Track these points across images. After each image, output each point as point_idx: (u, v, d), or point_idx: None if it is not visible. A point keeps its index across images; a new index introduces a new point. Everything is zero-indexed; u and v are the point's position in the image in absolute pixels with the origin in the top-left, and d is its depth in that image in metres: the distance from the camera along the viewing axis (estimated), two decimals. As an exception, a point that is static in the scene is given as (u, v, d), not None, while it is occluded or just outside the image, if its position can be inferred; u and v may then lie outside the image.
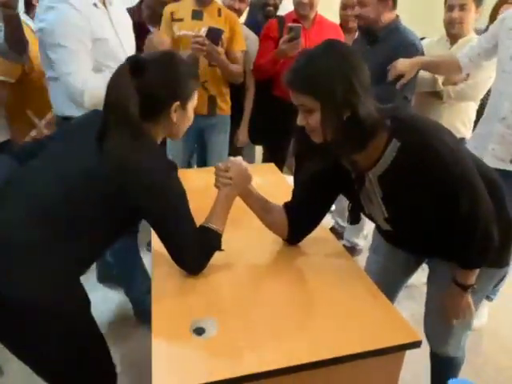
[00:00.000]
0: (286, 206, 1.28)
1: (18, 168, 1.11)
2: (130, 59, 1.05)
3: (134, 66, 1.03)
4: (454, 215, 1.02)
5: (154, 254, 1.24)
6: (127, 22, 1.90)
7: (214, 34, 1.98)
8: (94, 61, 1.65)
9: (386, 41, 2.03)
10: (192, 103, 1.15)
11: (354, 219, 1.29)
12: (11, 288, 0.94)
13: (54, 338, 1.01)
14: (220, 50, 2.06)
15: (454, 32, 2.06)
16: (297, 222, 1.26)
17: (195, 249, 1.10)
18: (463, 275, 1.13)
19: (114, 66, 1.34)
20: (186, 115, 1.15)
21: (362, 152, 1.04)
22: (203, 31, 2.00)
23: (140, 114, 1.02)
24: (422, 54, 2.01)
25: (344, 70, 0.95)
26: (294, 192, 1.30)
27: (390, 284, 1.33)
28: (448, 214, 1.03)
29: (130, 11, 2.37)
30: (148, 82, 1.04)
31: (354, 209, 1.26)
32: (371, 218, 1.23)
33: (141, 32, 2.27)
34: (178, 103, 1.09)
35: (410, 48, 2.00)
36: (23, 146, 1.21)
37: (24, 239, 0.97)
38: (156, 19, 2.32)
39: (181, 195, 1.08)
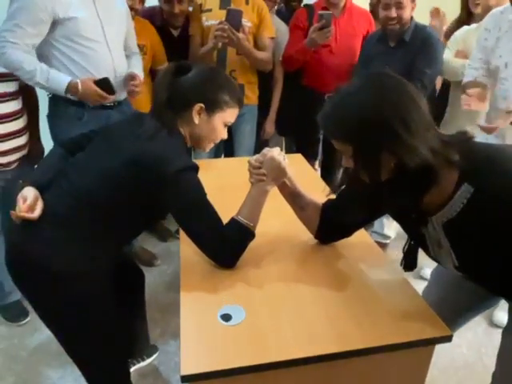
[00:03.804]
0: (324, 206, 1.21)
1: (69, 159, 1.22)
2: (179, 62, 1.19)
3: (179, 67, 1.16)
4: None
5: (182, 241, 1.25)
6: (116, 6, 1.84)
7: (233, 16, 1.96)
8: (58, 38, 1.65)
9: (413, 41, 2.03)
10: (221, 116, 1.17)
11: (410, 264, 1.06)
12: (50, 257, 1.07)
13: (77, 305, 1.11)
14: (242, 36, 2.03)
15: None
16: (327, 226, 1.21)
17: (220, 244, 1.10)
18: None
19: (90, 45, 1.66)
20: (210, 123, 1.16)
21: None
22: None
23: (168, 106, 1.12)
24: None
25: (381, 113, 0.80)
26: (339, 194, 1.17)
27: (447, 319, 1.02)
28: None
29: (152, 12, 2.37)
30: (184, 79, 1.14)
31: (411, 251, 1.05)
32: (437, 262, 1.05)
33: (164, 36, 2.28)
34: (202, 105, 1.13)
35: (438, 45, 2.04)
36: (73, 139, 1.29)
37: (63, 216, 1.09)
38: (175, 25, 2.32)
39: (199, 191, 1.09)
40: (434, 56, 1.99)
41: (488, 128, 1.60)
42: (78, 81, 1.68)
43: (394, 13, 1.97)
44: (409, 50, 2.01)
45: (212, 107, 1.15)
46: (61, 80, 1.67)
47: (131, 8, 2.02)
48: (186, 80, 1.14)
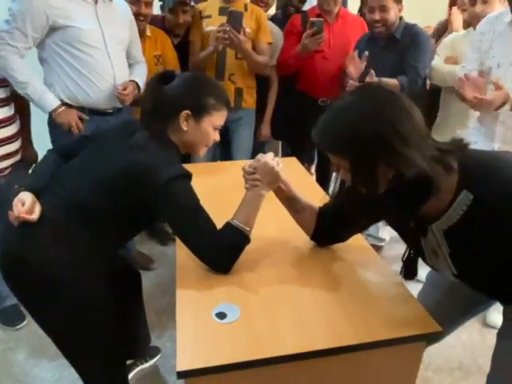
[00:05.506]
0: (321, 210, 1.22)
1: (63, 164, 1.24)
2: (164, 71, 1.21)
3: (164, 75, 1.18)
4: None
5: (178, 244, 1.26)
6: (119, 15, 1.89)
7: (234, 17, 2.00)
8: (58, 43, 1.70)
9: (403, 39, 2.08)
10: (209, 120, 1.18)
11: (410, 273, 1.05)
12: (45, 262, 1.09)
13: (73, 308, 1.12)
14: (242, 37, 2.07)
15: None
16: (324, 231, 1.22)
17: (215, 249, 1.10)
18: None
19: (89, 52, 1.70)
20: (200, 129, 1.18)
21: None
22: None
23: (155, 115, 1.14)
24: None
25: (376, 126, 0.80)
26: (335, 199, 1.18)
27: (441, 322, 1.01)
28: None
29: (154, 19, 2.38)
30: (168, 87, 1.15)
31: (411, 260, 1.04)
32: (435, 270, 1.06)
33: None
34: (188, 112, 1.14)
35: (428, 41, 2.11)
36: (66, 145, 1.32)
37: (60, 221, 1.11)
38: (177, 34, 2.35)
39: (192, 198, 1.10)
40: (423, 51, 2.05)
41: (474, 101, 1.51)
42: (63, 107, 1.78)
43: (377, 16, 2.02)
44: (400, 47, 2.07)
45: (199, 113, 1.16)
46: (49, 101, 1.76)
47: (139, 13, 2.04)
48: (169, 88, 1.15)
